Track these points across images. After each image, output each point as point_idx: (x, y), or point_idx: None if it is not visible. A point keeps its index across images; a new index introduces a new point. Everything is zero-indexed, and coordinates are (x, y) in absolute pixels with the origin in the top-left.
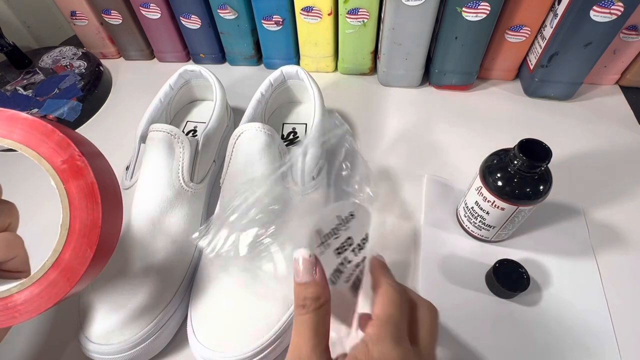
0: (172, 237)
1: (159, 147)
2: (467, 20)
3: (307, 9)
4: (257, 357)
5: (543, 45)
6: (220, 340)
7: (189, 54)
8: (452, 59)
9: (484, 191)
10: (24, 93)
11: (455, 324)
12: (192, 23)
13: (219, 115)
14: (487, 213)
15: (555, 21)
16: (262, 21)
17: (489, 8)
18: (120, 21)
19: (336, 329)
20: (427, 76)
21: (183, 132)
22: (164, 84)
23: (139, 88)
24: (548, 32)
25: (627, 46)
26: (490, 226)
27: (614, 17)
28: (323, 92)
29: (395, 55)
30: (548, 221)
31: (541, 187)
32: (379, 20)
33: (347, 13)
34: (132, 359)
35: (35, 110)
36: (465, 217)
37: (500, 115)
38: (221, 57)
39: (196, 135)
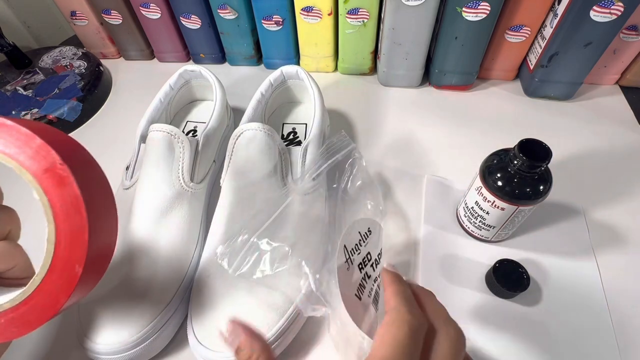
0: (172, 237)
1: (159, 147)
2: (467, 20)
3: (307, 9)
4: None
5: (543, 45)
6: (220, 341)
7: (189, 54)
8: (452, 59)
9: (484, 191)
10: (24, 93)
11: None
12: (192, 23)
13: (219, 115)
14: (487, 213)
15: (555, 21)
16: (262, 21)
17: (489, 8)
18: (120, 21)
19: (363, 343)
20: (427, 76)
21: (183, 132)
22: (164, 84)
23: (139, 88)
24: (548, 32)
25: (627, 46)
26: (490, 226)
27: (614, 17)
28: (323, 92)
29: (395, 55)
30: (548, 221)
31: (541, 187)
32: (379, 20)
33: (347, 13)
34: (132, 359)
35: (35, 110)
36: (465, 217)
37: (500, 115)
38: (221, 57)
39: (196, 135)
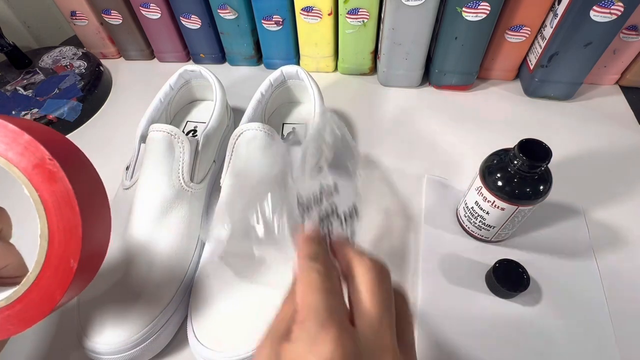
0: (172, 237)
1: (159, 147)
2: (467, 20)
3: (307, 9)
4: None
5: (543, 45)
6: (220, 340)
7: (189, 54)
8: (452, 59)
9: (484, 191)
10: (24, 93)
11: (455, 324)
12: (192, 23)
13: (219, 115)
14: (487, 213)
15: (555, 21)
16: (262, 21)
17: (489, 8)
18: (120, 21)
19: None
20: (427, 76)
21: (183, 132)
22: (164, 84)
23: (139, 88)
24: (548, 32)
25: (627, 46)
26: (490, 226)
27: (614, 17)
28: (323, 92)
29: (395, 55)
30: (548, 221)
31: (541, 187)
32: (379, 20)
33: (347, 13)
34: (132, 359)
35: (35, 110)
36: (465, 217)
37: (500, 115)
38: (221, 57)
39: (196, 135)
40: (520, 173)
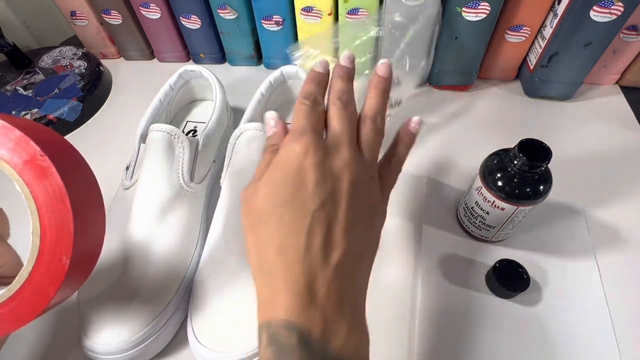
0: (172, 237)
1: (159, 147)
2: (467, 20)
3: (307, 9)
4: (258, 357)
5: (543, 45)
6: (220, 340)
7: (189, 54)
8: (452, 59)
9: (484, 191)
10: (24, 93)
11: (455, 324)
12: (192, 23)
13: (219, 115)
14: (487, 213)
15: (555, 21)
16: (262, 21)
17: (489, 8)
18: (120, 21)
19: None
20: (427, 76)
21: (183, 132)
22: (164, 84)
23: (139, 88)
24: (548, 32)
25: (627, 46)
26: (490, 226)
27: (614, 17)
28: None
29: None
30: (548, 221)
31: (541, 187)
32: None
33: (347, 13)
34: (132, 359)
35: (35, 110)
36: (465, 217)
37: (500, 116)
38: (221, 57)
39: (196, 135)
40: (520, 173)
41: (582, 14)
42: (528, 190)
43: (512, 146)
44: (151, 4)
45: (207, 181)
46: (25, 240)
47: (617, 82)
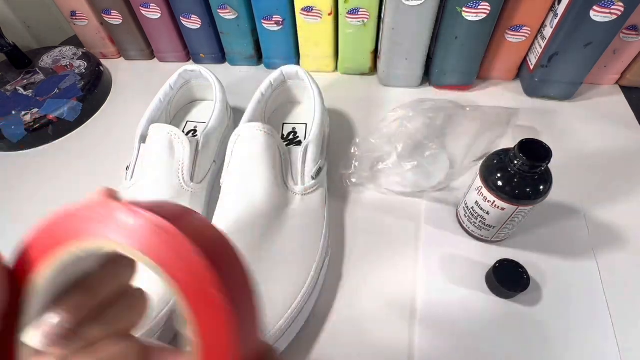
0: None
1: (159, 147)
2: (467, 20)
3: (307, 9)
4: None
5: (543, 45)
6: None
7: (189, 54)
8: (452, 59)
9: (484, 191)
10: (24, 93)
11: (455, 324)
12: (192, 23)
13: (219, 115)
14: (487, 213)
15: (555, 21)
16: (262, 21)
17: (489, 8)
18: (120, 21)
19: None
20: (427, 76)
21: (183, 132)
22: (164, 84)
23: (139, 88)
24: (548, 32)
25: (627, 46)
26: (490, 226)
27: (614, 17)
28: (323, 92)
29: (395, 55)
30: (548, 221)
31: (541, 187)
32: (379, 20)
33: (347, 13)
34: None
35: (35, 110)
36: (465, 217)
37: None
38: (221, 57)
39: (196, 135)
40: (521, 173)
41: (582, 14)
42: (528, 190)
43: (512, 146)
44: (151, 4)
45: (207, 181)
46: None
47: (617, 82)
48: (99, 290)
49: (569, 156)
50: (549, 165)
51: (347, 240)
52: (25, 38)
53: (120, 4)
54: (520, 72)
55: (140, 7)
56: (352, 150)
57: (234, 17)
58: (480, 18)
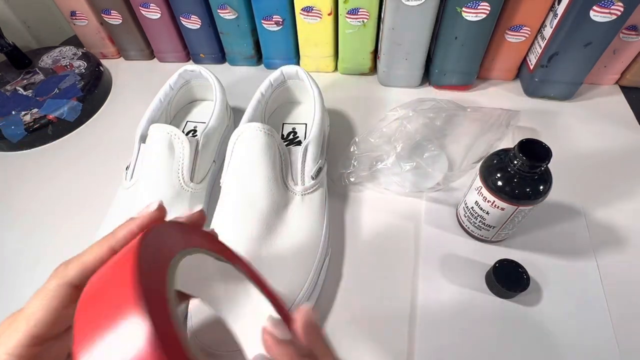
0: None
1: (159, 147)
2: (467, 20)
3: (307, 9)
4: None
5: (543, 45)
6: (220, 341)
7: (189, 54)
8: (452, 59)
9: (484, 191)
10: (24, 93)
11: (455, 324)
12: (192, 23)
13: (219, 115)
14: (487, 213)
15: (555, 21)
16: (262, 21)
17: (489, 8)
18: (120, 21)
19: None
20: (427, 76)
21: (183, 132)
22: (164, 84)
23: (139, 88)
24: (548, 32)
25: (627, 46)
26: (490, 226)
27: (614, 17)
28: (323, 92)
29: (395, 55)
30: (548, 221)
31: (541, 187)
32: (379, 20)
33: (347, 13)
34: None
35: (35, 110)
36: (465, 217)
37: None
38: (221, 57)
39: (196, 135)
40: (520, 173)
41: (582, 14)
42: (528, 190)
43: (512, 146)
44: (151, 4)
45: (207, 181)
46: None
47: (617, 82)
48: None
49: (569, 156)
50: (549, 165)
51: (347, 240)
52: (25, 38)
53: (120, 4)
54: (520, 72)
55: (140, 7)
56: (352, 150)
57: (234, 17)
58: (480, 18)
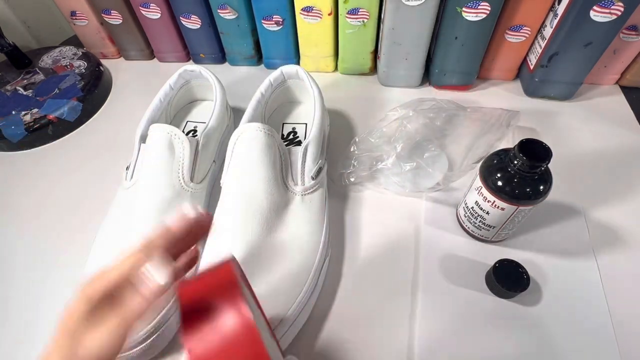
0: None
1: (159, 147)
2: (467, 20)
3: (307, 9)
4: None
5: (543, 45)
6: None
7: (189, 54)
8: (452, 59)
9: (484, 191)
10: (24, 93)
11: (455, 324)
12: (192, 23)
13: (219, 115)
14: (487, 213)
15: (555, 21)
16: (262, 21)
17: (489, 8)
18: (120, 21)
19: None
20: (427, 76)
21: (183, 132)
22: (164, 84)
23: (139, 88)
24: (548, 32)
25: (627, 46)
26: (490, 226)
27: (614, 17)
28: (323, 92)
29: (395, 55)
30: (548, 221)
31: (541, 187)
32: (379, 20)
33: (347, 13)
34: (133, 358)
35: (35, 110)
36: (465, 217)
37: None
38: (221, 57)
39: (196, 135)
40: (520, 173)
41: (582, 14)
42: (528, 190)
43: (512, 146)
44: (151, 4)
45: (207, 181)
46: None
47: (617, 82)
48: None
49: (569, 156)
50: (549, 165)
51: (347, 240)
52: (25, 38)
53: (120, 4)
54: (520, 72)
55: (140, 7)
56: (352, 150)
57: (234, 17)
58: (480, 18)
